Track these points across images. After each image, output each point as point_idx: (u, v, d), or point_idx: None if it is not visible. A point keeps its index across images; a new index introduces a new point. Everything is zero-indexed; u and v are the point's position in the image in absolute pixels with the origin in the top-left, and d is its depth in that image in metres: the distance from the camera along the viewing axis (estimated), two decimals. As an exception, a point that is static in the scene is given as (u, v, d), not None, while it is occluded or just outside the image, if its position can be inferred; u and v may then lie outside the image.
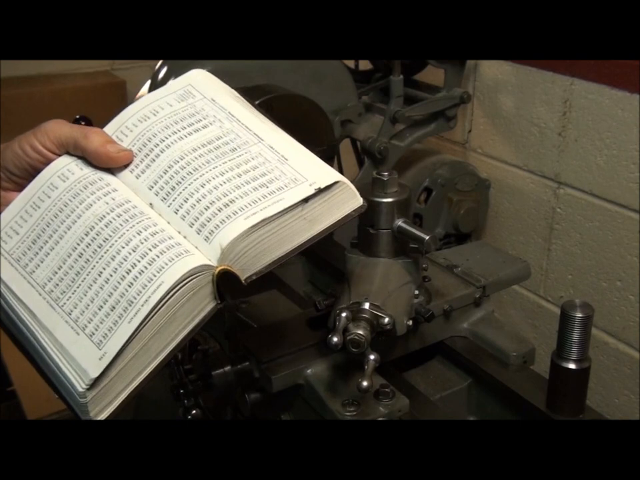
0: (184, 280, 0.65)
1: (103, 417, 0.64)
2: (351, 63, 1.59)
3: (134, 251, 0.68)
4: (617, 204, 1.43)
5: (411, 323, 0.85)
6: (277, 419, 0.92)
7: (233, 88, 0.97)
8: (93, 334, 0.66)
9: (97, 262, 0.69)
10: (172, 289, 0.64)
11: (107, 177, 0.74)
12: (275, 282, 1.11)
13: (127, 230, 0.69)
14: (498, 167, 1.68)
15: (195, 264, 0.66)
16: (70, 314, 0.69)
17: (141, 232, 0.69)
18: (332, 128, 1.27)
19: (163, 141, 0.74)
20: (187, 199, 0.70)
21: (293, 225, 0.69)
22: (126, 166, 0.75)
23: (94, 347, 0.66)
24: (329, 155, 1.24)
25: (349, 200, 0.72)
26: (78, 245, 0.71)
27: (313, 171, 0.71)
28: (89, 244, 0.70)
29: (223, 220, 0.68)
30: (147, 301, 0.64)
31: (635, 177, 1.38)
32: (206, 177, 0.70)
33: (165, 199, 0.71)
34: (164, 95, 0.79)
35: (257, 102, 1.13)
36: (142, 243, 0.68)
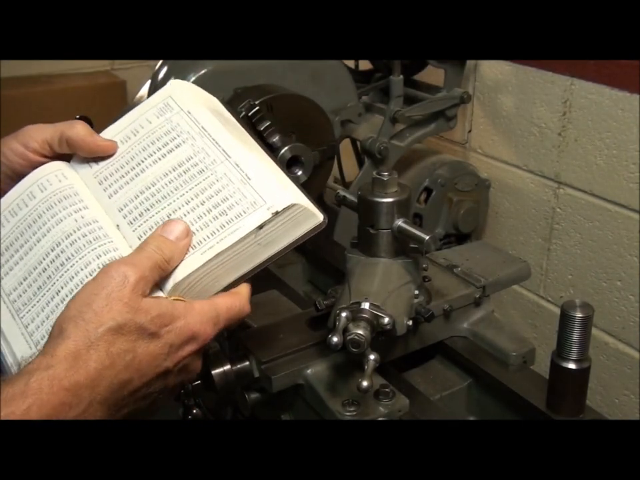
0: None
1: None
2: (350, 63, 1.59)
3: (90, 275, 0.69)
4: (617, 204, 1.43)
5: (410, 322, 0.85)
6: (277, 418, 0.92)
7: (233, 88, 0.98)
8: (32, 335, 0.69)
9: (57, 280, 0.71)
10: None
11: (82, 193, 0.76)
12: (275, 282, 1.11)
13: (88, 252, 0.71)
14: (498, 167, 1.68)
15: None
16: (27, 327, 0.70)
17: (100, 256, 0.70)
18: (332, 128, 1.27)
19: (139, 164, 0.76)
20: (152, 227, 0.72)
21: (246, 251, 0.70)
22: (101, 183, 0.77)
23: (30, 347, 0.68)
24: (329, 154, 1.24)
25: (307, 220, 0.72)
26: (44, 259, 0.72)
27: (273, 190, 0.71)
28: (53, 260, 0.72)
29: None
30: None
31: (635, 177, 1.38)
32: (172, 206, 0.73)
33: (132, 223, 0.73)
34: (145, 111, 0.81)
35: (256, 102, 1.13)
36: (99, 268, 0.69)
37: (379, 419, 0.80)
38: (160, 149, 0.77)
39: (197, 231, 0.71)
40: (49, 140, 0.77)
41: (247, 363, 0.87)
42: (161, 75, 1.24)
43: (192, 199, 0.73)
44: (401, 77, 1.41)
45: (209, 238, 0.70)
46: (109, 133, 0.80)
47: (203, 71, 1.20)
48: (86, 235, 0.72)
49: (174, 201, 0.73)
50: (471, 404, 0.96)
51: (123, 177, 0.76)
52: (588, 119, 1.44)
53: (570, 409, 0.84)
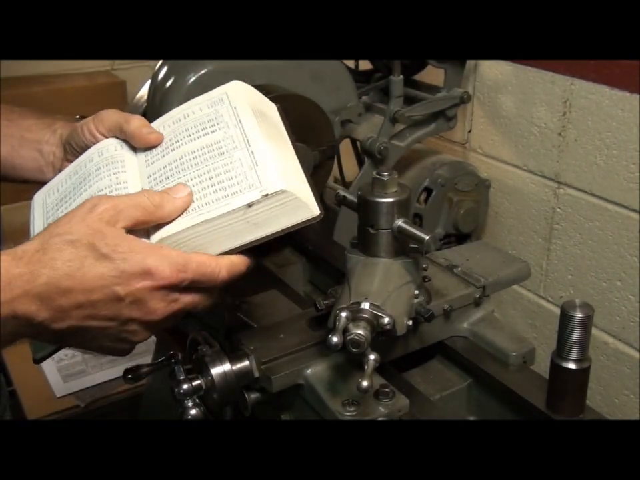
0: None
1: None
2: (350, 63, 1.59)
3: None
4: (617, 204, 1.43)
5: (410, 322, 0.85)
6: (277, 418, 0.92)
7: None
8: None
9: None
10: None
11: (127, 160, 0.86)
12: (275, 282, 1.11)
13: None
14: (498, 167, 1.68)
15: None
16: None
17: None
18: (332, 128, 1.27)
19: (178, 141, 0.85)
20: None
21: (234, 226, 0.75)
22: (146, 155, 0.86)
23: None
24: (328, 154, 1.24)
25: (299, 209, 0.76)
26: None
27: (270, 177, 0.76)
28: None
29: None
30: None
31: (635, 177, 1.38)
32: (186, 177, 0.80)
33: (152, 188, 0.80)
34: (201, 101, 0.89)
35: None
36: None
37: (379, 418, 0.80)
38: (198, 131, 0.85)
39: (196, 199, 0.77)
40: (112, 128, 0.87)
41: (247, 362, 0.87)
42: (161, 75, 1.24)
43: (204, 173, 0.79)
44: (401, 77, 1.41)
45: (202, 207, 0.76)
46: (169, 115, 0.89)
47: (203, 71, 1.20)
48: (112, 193, 0.80)
49: (189, 173, 0.80)
50: (471, 404, 0.96)
51: (162, 151, 0.85)
52: (588, 119, 1.44)
53: (570, 409, 0.84)
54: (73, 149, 0.92)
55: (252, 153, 0.79)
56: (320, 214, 0.77)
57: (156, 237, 0.75)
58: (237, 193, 0.76)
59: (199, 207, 0.76)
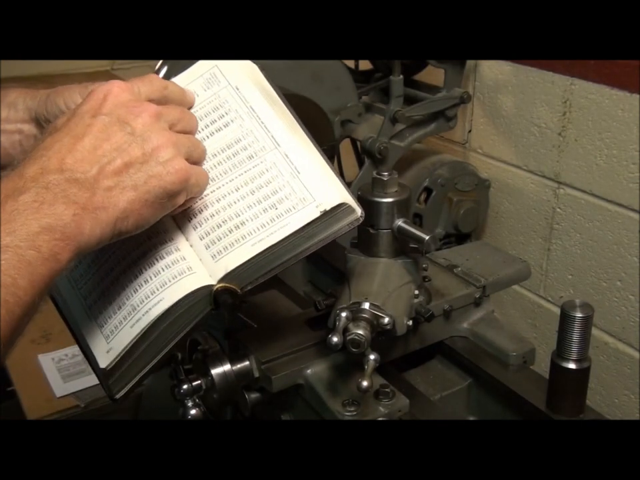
0: (183, 299, 0.69)
1: (118, 396, 0.70)
2: (351, 63, 1.59)
3: (143, 257, 0.71)
4: (617, 204, 1.43)
5: (410, 322, 0.85)
6: (277, 418, 0.92)
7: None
8: (102, 326, 0.71)
9: (110, 255, 0.73)
10: (172, 307, 0.68)
11: None
12: (275, 282, 1.11)
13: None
14: (498, 167, 1.68)
15: (195, 285, 0.69)
16: (86, 299, 0.73)
17: (151, 237, 0.72)
18: (332, 128, 1.27)
19: None
20: (202, 210, 0.73)
21: (290, 244, 0.71)
22: None
23: (103, 340, 0.70)
24: (329, 155, 1.24)
25: (348, 215, 0.72)
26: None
27: (322, 187, 0.72)
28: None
29: (232, 243, 0.71)
30: (147, 312, 0.69)
31: (635, 177, 1.38)
32: (221, 190, 0.74)
33: None
34: (191, 80, 0.81)
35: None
36: (150, 250, 0.71)
37: (379, 418, 0.80)
38: (207, 125, 0.78)
39: (247, 220, 0.72)
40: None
41: (247, 362, 0.87)
42: (160, 75, 1.24)
43: (241, 186, 0.74)
44: (401, 77, 1.41)
45: (258, 230, 0.71)
46: None
47: (203, 71, 1.20)
48: None
49: (223, 185, 0.74)
50: (471, 404, 0.96)
51: None
52: (588, 118, 1.44)
53: (570, 409, 0.84)
54: None
55: (286, 155, 0.74)
56: (362, 214, 0.73)
57: (220, 272, 0.70)
58: (290, 210, 0.71)
59: (254, 231, 0.71)
